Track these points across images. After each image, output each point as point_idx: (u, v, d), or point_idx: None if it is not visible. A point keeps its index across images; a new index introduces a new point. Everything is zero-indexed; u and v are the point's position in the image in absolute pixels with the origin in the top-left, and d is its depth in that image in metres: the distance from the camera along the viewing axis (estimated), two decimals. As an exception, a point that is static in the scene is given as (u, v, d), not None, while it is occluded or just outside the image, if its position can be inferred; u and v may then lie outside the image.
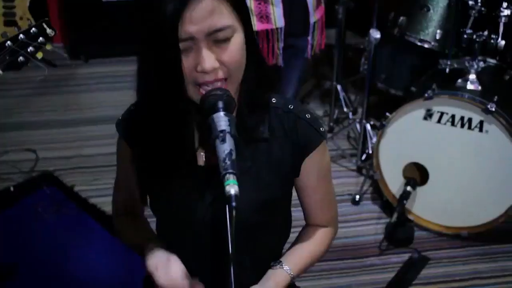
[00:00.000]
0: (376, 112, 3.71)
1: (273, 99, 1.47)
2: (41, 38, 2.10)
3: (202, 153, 1.46)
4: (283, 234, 1.65)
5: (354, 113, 3.95)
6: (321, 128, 1.48)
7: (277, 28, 3.07)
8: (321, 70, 4.61)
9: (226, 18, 1.28)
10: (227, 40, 1.28)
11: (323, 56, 4.76)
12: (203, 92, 1.30)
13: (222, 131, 1.23)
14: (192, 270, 1.51)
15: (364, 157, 3.67)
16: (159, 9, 1.23)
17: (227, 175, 1.18)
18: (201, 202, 1.46)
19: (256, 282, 1.51)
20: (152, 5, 1.25)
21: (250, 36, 1.36)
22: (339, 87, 3.95)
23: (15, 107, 4.29)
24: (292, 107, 1.47)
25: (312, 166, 1.50)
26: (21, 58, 2.08)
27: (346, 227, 3.26)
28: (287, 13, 3.06)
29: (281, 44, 3.11)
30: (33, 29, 2.09)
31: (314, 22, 3.19)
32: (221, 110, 1.26)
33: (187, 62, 1.28)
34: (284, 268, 1.55)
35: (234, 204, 1.16)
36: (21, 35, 2.08)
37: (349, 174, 3.68)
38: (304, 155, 1.48)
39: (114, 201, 1.75)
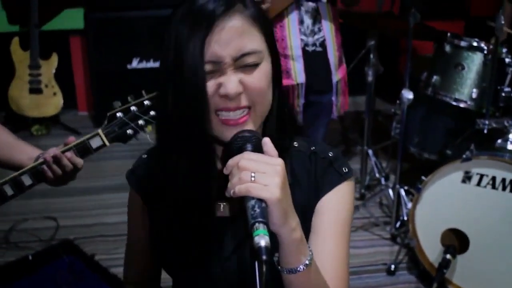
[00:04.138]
0: (409, 178, 3.55)
1: (295, 143, 1.35)
2: (152, 112, 1.97)
3: (220, 203, 1.32)
4: None
5: (386, 179, 3.79)
6: (343, 168, 1.32)
7: (297, 84, 2.97)
8: (351, 137, 4.50)
9: (256, 42, 1.20)
10: (255, 65, 1.19)
11: (353, 122, 4.68)
12: (223, 119, 1.19)
13: None
14: None
15: (398, 224, 3.48)
16: (184, 31, 1.14)
17: (257, 224, 1.03)
18: (219, 255, 1.31)
19: None
20: (178, 28, 1.17)
21: (277, 68, 1.27)
22: (370, 151, 3.82)
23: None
24: (314, 148, 1.34)
25: (327, 207, 1.30)
26: (129, 131, 1.96)
27: (381, 299, 3.07)
28: (309, 70, 2.96)
29: (302, 101, 3.00)
30: (146, 102, 1.97)
31: (337, 81, 3.07)
32: None
33: (209, 85, 1.17)
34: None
35: (265, 257, 1.00)
36: (133, 107, 1.96)
37: (383, 243, 3.50)
38: (320, 194, 1.31)
39: (125, 264, 1.58)
